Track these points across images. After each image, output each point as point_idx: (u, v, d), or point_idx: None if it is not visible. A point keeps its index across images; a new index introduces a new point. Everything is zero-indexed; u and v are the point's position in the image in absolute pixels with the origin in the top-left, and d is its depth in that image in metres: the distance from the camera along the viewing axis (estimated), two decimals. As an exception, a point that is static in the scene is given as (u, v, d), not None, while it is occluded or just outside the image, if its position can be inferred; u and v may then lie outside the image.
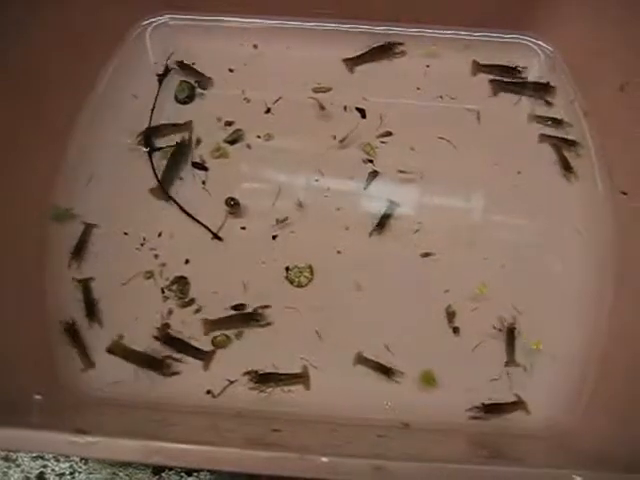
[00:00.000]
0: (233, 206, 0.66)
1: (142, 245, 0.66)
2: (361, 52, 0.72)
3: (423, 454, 0.52)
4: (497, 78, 0.71)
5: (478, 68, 0.72)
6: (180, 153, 0.68)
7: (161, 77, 0.71)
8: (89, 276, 0.65)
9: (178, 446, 0.42)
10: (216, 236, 0.65)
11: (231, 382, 0.61)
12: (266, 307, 0.63)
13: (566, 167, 0.67)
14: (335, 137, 0.69)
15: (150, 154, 0.68)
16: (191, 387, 0.61)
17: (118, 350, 0.62)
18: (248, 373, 0.61)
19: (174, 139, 0.69)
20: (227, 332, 0.63)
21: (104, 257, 0.65)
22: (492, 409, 0.60)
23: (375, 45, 0.72)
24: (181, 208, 0.66)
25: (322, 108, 0.69)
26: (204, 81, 0.71)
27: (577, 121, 0.69)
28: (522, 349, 0.62)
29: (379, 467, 0.39)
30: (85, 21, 0.66)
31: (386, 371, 0.61)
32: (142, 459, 0.42)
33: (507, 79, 0.71)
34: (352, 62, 0.72)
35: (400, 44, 0.72)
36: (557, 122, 0.69)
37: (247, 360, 0.62)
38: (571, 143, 0.68)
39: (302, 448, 0.44)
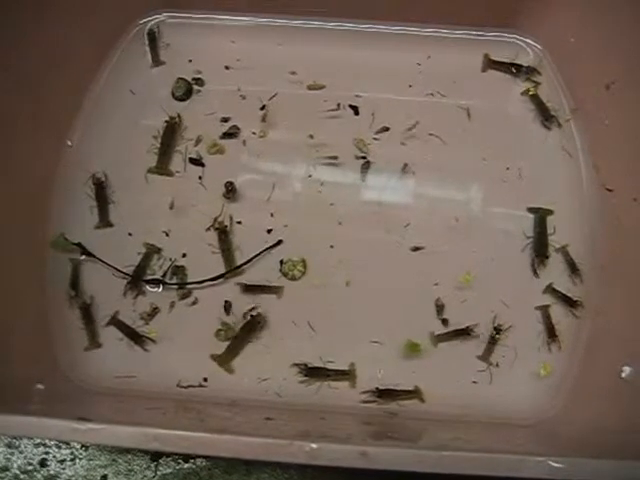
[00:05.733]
0: (230, 190, 0.67)
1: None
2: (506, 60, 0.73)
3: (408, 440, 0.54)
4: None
5: (489, 64, 0.73)
6: (171, 131, 0.70)
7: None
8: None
9: (176, 432, 0.44)
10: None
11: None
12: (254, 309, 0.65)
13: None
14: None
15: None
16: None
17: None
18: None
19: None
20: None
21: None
22: (384, 394, 0.62)
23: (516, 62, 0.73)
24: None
25: (263, 112, 0.71)
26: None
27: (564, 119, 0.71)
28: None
29: (364, 453, 0.41)
30: (83, 19, 0.67)
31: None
32: (141, 445, 0.44)
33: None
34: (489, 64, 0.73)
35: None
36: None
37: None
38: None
39: (296, 435, 0.46)
